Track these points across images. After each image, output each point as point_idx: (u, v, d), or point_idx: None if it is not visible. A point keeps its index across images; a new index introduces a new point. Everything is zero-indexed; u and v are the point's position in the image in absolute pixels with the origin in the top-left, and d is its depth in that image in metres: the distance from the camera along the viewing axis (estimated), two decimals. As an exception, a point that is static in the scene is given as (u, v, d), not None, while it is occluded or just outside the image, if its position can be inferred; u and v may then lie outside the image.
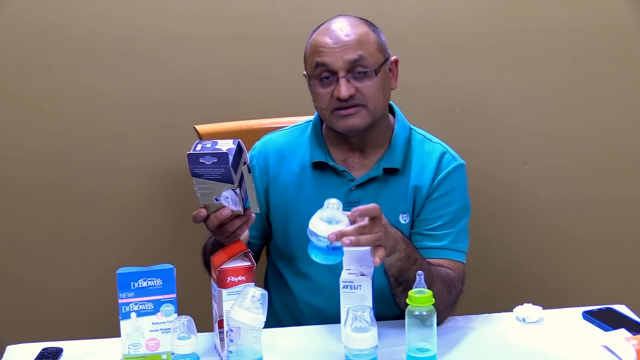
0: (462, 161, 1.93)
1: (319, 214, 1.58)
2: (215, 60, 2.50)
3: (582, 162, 2.60)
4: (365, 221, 1.56)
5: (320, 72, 1.81)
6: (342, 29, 1.81)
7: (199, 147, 1.58)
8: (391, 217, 1.76)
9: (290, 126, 2.00)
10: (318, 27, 1.87)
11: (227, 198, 1.61)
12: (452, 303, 1.79)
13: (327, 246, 1.57)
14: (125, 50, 2.48)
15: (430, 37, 2.51)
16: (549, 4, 2.51)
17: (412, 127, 1.95)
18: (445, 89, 2.55)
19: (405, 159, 1.88)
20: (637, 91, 2.57)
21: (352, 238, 1.54)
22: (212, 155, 1.56)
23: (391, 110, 1.95)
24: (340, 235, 1.53)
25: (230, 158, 1.55)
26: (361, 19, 1.87)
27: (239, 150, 1.60)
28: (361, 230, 1.56)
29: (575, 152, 2.59)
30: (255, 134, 2.05)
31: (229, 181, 1.58)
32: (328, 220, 1.56)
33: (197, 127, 2.26)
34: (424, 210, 1.87)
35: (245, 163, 1.62)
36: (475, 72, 2.54)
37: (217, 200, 1.62)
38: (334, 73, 1.79)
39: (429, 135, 1.95)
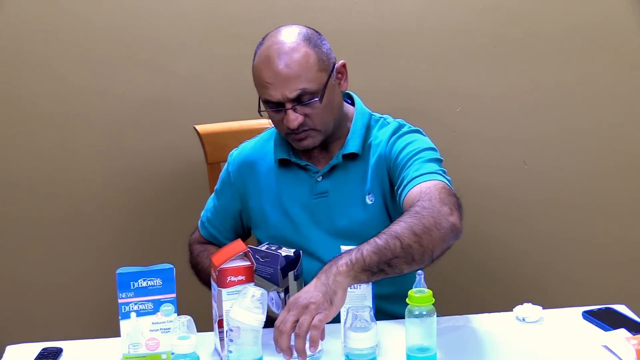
0: (417, 128, 1.93)
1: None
2: (215, 60, 2.50)
3: (582, 161, 2.60)
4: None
5: (267, 104, 1.84)
6: (281, 56, 1.79)
7: (264, 247, 1.75)
8: (358, 200, 1.87)
9: (261, 133, 2.05)
10: (260, 45, 1.85)
11: (272, 299, 1.70)
12: (448, 211, 1.60)
13: None
14: (125, 50, 2.48)
15: (431, 37, 2.51)
16: (549, 4, 2.51)
17: (373, 113, 1.97)
18: (445, 89, 2.55)
19: (365, 143, 1.91)
20: (637, 91, 2.57)
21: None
22: (267, 254, 1.71)
23: (352, 99, 1.98)
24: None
25: (281, 261, 1.70)
26: (300, 32, 1.84)
27: (296, 260, 1.73)
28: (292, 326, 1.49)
29: (575, 152, 2.59)
30: (255, 134, 2.06)
31: (275, 283, 1.70)
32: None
33: (197, 127, 2.26)
34: (392, 173, 1.86)
35: (299, 275, 1.74)
36: (475, 72, 2.54)
37: (269, 299, 1.70)
38: (280, 104, 1.82)
39: (389, 118, 1.97)
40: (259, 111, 1.87)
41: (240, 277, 1.60)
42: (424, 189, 1.68)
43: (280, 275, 1.69)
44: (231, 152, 2.04)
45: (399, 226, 1.57)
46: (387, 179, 1.89)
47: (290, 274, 1.71)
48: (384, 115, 1.98)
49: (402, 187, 1.77)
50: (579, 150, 2.59)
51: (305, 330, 1.47)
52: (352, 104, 1.98)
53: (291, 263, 1.71)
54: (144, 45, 2.48)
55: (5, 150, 2.52)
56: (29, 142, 2.51)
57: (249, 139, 2.05)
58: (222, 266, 1.60)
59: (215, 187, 2.06)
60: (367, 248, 1.54)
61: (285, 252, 1.72)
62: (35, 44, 2.46)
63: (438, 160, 1.82)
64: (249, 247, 1.70)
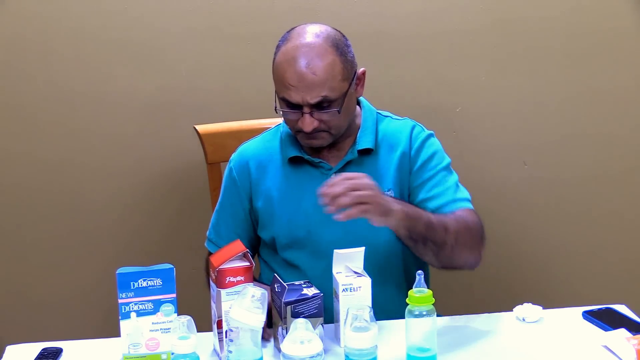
0: (431, 131, 1.97)
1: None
2: (215, 60, 2.50)
3: (583, 161, 2.59)
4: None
5: (285, 102, 1.83)
6: (308, 61, 1.79)
7: (297, 283, 1.65)
8: None
9: (262, 133, 2.04)
10: (285, 40, 1.85)
11: (280, 335, 1.61)
12: (479, 236, 1.84)
13: None
14: (125, 50, 2.48)
15: (431, 37, 2.51)
16: (549, 3, 2.51)
17: (378, 111, 1.99)
18: (446, 88, 2.55)
19: (377, 139, 1.93)
20: (637, 91, 2.57)
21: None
22: (280, 285, 1.62)
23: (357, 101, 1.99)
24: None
25: (288, 295, 1.59)
26: (329, 36, 1.83)
27: (308, 301, 1.60)
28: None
29: (575, 152, 2.59)
30: (255, 134, 2.06)
31: (280, 316, 1.61)
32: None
33: (197, 127, 2.26)
34: (414, 180, 1.91)
35: (300, 313, 1.61)
36: (476, 72, 2.54)
37: (278, 333, 1.63)
38: (298, 106, 1.81)
39: (395, 116, 2.00)
40: (275, 108, 1.86)
41: (239, 278, 1.60)
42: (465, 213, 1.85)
43: (284, 308, 1.59)
44: (231, 158, 2.01)
45: (445, 215, 1.80)
46: (407, 179, 1.91)
47: (289, 308, 1.59)
48: (387, 113, 2.00)
49: (436, 203, 1.87)
50: (579, 150, 2.59)
51: (354, 187, 1.63)
52: (356, 102, 1.98)
53: (301, 301, 1.60)
54: (144, 45, 2.48)
55: (5, 151, 2.51)
56: (28, 144, 2.51)
57: (246, 141, 2.03)
58: (221, 267, 1.60)
59: (220, 200, 2.01)
60: (425, 215, 1.76)
61: (307, 290, 1.63)
62: (33, 43, 2.45)
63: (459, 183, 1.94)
64: (274, 276, 1.66)
